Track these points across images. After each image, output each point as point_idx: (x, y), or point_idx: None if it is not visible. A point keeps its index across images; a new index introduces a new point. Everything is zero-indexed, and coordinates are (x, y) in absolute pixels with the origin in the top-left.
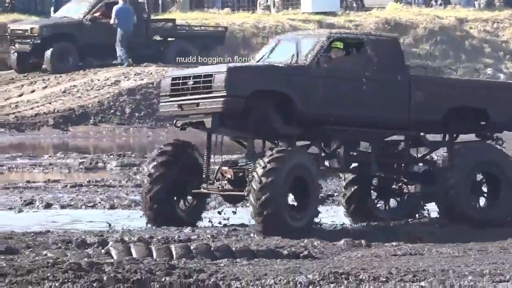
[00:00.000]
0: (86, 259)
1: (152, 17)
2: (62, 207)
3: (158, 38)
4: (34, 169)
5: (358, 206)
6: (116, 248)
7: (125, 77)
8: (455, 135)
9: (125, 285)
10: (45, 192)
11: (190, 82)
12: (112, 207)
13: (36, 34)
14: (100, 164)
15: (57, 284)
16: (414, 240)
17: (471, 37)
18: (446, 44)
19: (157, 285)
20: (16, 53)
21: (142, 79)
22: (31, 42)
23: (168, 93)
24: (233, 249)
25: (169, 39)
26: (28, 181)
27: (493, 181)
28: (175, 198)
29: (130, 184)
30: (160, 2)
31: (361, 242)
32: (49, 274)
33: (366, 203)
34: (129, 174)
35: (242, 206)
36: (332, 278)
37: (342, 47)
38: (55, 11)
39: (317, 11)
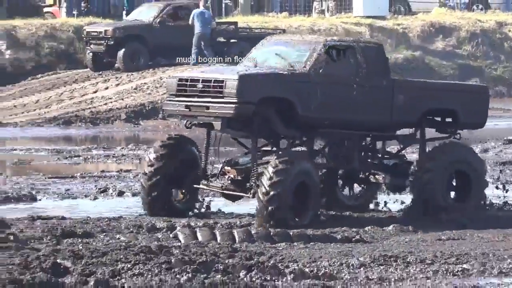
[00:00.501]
0: (155, 242)
1: (216, 20)
2: (134, 194)
3: (221, 39)
4: (108, 159)
5: (326, 194)
6: (183, 232)
7: None
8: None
9: (192, 266)
10: (118, 180)
11: (199, 85)
12: None
13: (109, 36)
14: None
15: (129, 266)
16: None
17: (510, 39)
18: (487, 46)
19: (221, 267)
20: (91, 53)
21: None
22: (105, 43)
23: (174, 93)
24: (291, 233)
25: (232, 40)
26: (102, 171)
27: (463, 177)
28: (172, 189)
29: None
30: (223, 6)
31: (409, 227)
32: (121, 256)
33: (333, 191)
34: None
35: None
36: (382, 260)
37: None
38: (127, 14)
39: (368, 15)
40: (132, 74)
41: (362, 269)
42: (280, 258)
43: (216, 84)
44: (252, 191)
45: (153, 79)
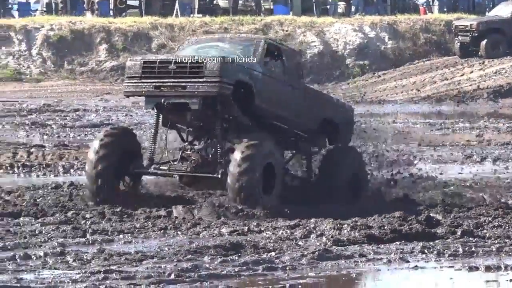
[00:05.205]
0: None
1: None
2: (494, 160)
3: None
4: (472, 131)
5: None
6: None
7: None
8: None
9: None
10: (479, 148)
11: (172, 66)
12: None
13: (474, 29)
14: None
15: (490, 219)
16: None
17: None
18: None
19: None
20: (459, 43)
21: None
22: (470, 35)
23: (138, 75)
24: None
25: None
26: (468, 140)
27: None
28: (116, 178)
29: None
30: None
31: None
32: (484, 211)
33: None
34: None
35: None
36: None
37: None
38: (489, 11)
39: None
40: (492, 61)
41: None
42: None
43: (194, 64)
44: (220, 172)
45: (510, 65)
